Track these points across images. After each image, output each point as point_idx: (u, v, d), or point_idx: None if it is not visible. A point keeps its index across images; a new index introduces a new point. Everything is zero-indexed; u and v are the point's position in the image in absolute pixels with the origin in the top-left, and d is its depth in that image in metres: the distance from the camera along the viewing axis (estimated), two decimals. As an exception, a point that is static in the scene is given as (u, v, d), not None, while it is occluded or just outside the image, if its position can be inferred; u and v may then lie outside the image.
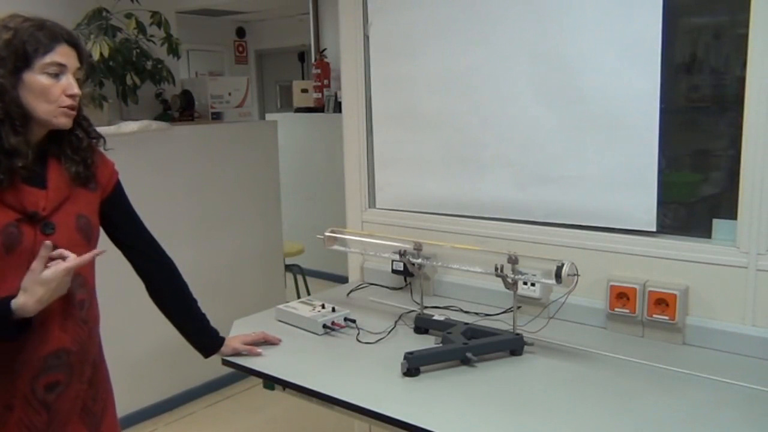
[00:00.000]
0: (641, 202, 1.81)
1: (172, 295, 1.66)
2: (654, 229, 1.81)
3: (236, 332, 1.83)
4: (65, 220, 1.37)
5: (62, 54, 1.34)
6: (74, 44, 1.38)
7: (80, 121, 1.44)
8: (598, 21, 1.82)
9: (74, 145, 1.42)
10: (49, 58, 1.32)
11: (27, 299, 1.26)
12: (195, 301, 1.69)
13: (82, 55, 1.40)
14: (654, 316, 1.74)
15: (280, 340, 1.81)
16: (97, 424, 1.49)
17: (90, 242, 1.44)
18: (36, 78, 1.31)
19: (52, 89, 1.33)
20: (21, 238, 1.30)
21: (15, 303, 1.26)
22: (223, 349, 1.73)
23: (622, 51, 1.79)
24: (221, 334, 1.76)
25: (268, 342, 1.80)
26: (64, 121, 1.37)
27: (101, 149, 1.51)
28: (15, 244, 1.29)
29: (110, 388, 1.57)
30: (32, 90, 1.31)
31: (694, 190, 1.93)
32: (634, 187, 1.82)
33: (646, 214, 1.81)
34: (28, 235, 1.31)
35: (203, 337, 1.72)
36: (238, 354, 1.74)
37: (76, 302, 1.40)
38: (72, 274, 1.31)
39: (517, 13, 1.96)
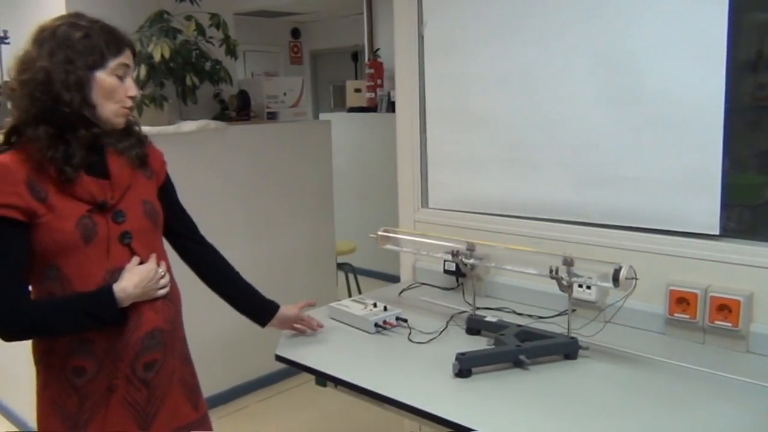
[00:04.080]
0: (704, 205, 1.75)
1: (218, 271, 1.72)
2: (717, 233, 1.74)
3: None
4: (133, 206, 1.45)
5: (128, 57, 1.43)
6: (134, 49, 1.46)
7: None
8: (661, 18, 1.77)
9: (126, 131, 1.48)
10: (120, 59, 1.40)
11: (126, 283, 1.37)
12: (239, 275, 1.75)
13: (136, 59, 1.50)
14: (716, 322, 1.68)
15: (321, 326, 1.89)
16: (196, 397, 1.59)
17: (157, 227, 1.52)
18: (106, 78, 1.38)
19: (118, 90, 1.41)
20: (96, 228, 1.37)
21: (117, 286, 1.37)
22: (283, 308, 1.80)
23: (685, 49, 1.74)
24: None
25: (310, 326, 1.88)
26: (122, 121, 1.45)
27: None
28: (92, 234, 1.37)
29: None
30: (102, 89, 1.38)
31: (760, 193, 1.86)
32: (697, 189, 1.76)
33: (709, 217, 1.75)
34: (102, 225, 1.38)
35: (256, 304, 1.78)
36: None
37: None
38: (166, 278, 1.46)
39: (576, 12, 1.93)
